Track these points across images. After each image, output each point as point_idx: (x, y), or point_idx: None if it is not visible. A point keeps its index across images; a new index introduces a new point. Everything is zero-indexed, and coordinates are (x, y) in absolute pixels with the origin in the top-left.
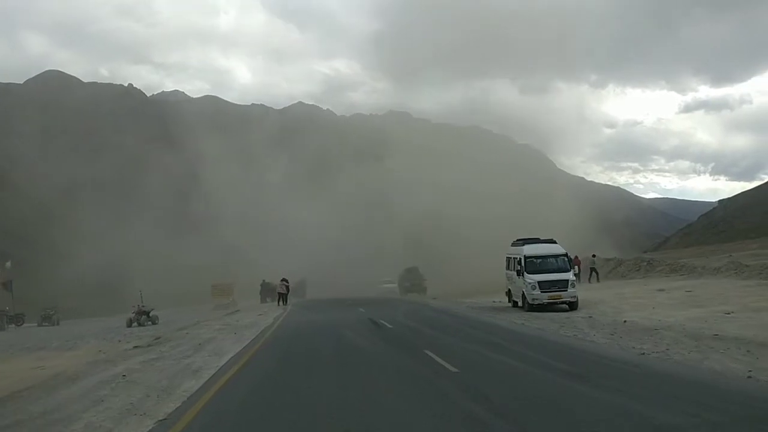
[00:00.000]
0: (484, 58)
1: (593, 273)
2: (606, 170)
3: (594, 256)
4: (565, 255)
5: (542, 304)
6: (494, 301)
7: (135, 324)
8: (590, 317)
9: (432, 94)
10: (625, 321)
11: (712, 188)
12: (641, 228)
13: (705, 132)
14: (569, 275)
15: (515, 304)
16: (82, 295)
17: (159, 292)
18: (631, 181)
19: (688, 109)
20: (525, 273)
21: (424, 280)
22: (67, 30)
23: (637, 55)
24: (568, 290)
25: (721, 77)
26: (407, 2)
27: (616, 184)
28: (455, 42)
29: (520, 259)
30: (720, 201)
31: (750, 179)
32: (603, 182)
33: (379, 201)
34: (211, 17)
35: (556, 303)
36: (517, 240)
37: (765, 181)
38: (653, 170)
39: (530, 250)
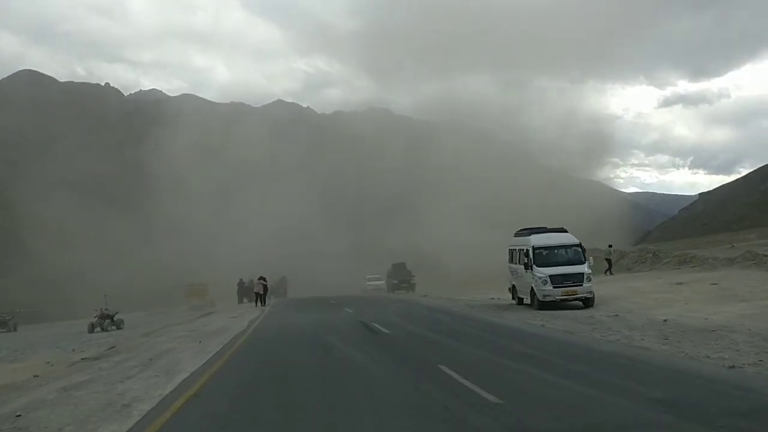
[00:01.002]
0: (464, 54)
1: (609, 265)
2: (586, 165)
3: (610, 246)
4: (579, 245)
5: (554, 301)
6: (492, 298)
7: (98, 329)
8: (616, 316)
9: (413, 91)
10: (665, 320)
11: (691, 182)
12: (622, 222)
13: (684, 126)
14: (584, 268)
15: (520, 301)
16: (54, 299)
17: (135, 294)
18: (612, 175)
19: (667, 103)
20: (534, 266)
21: (413, 276)
22: (41, 29)
23: (616, 50)
24: (584, 285)
25: (699, 72)
26: None
27: (596, 179)
28: (435, 38)
29: (527, 250)
30: (700, 194)
31: (728, 173)
32: (584, 177)
33: (359, 196)
34: (189, 15)
35: (569, 300)
36: (522, 230)
37: (743, 174)
38: (633, 165)
39: (539, 240)
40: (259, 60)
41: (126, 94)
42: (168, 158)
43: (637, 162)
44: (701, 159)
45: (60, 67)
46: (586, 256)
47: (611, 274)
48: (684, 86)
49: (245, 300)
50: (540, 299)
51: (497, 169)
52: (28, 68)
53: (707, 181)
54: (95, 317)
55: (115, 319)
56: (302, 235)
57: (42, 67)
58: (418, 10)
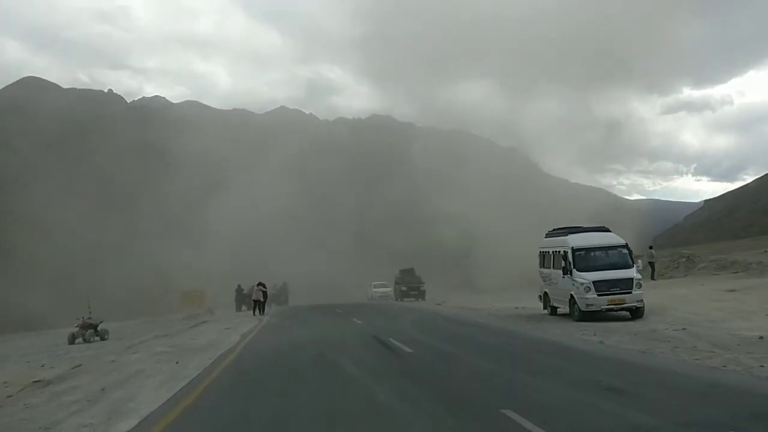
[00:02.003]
0: (467, 61)
1: (651, 269)
2: (589, 172)
3: (651, 248)
4: (625, 246)
5: (598, 312)
6: (517, 307)
7: (80, 340)
8: (684, 329)
9: (415, 98)
10: (760, 337)
11: (695, 189)
12: (627, 230)
13: (687, 133)
14: (633, 272)
15: (554, 310)
16: (52, 305)
17: (135, 301)
18: (615, 182)
19: (670, 110)
20: (574, 270)
21: (423, 283)
22: (45, 36)
23: (619, 57)
24: (633, 292)
25: (702, 79)
26: (389, 6)
27: (599, 186)
28: (438, 45)
29: (565, 252)
30: (705, 201)
31: (732, 180)
32: (586, 184)
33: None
34: (191, 22)
35: (615, 309)
36: (556, 229)
37: (747, 181)
38: (636, 171)
39: (578, 240)
40: (262, 66)
41: (129, 100)
42: (171, 164)
43: (640, 169)
44: (705, 166)
45: (64, 73)
46: (634, 258)
47: (653, 279)
48: (687, 93)
49: (244, 308)
50: (582, 309)
51: (500, 175)
52: (31, 75)
53: (711, 188)
54: (77, 327)
55: (99, 329)
56: (303, 240)
57: (45, 73)
58: (420, 17)
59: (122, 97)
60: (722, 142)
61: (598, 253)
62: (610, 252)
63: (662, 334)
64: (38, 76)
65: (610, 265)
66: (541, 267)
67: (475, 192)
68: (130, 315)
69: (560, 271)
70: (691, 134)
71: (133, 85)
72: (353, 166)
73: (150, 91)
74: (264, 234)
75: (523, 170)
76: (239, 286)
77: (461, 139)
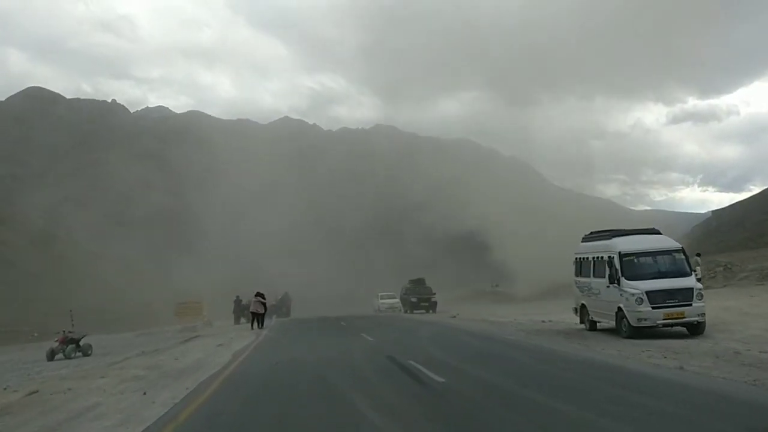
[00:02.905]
0: (470, 70)
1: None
2: (594, 183)
3: (698, 255)
4: (681, 250)
5: (652, 327)
6: (543, 321)
7: (60, 355)
8: None
9: (418, 107)
10: None
11: (701, 199)
12: None
13: (693, 143)
14: (692, 281)
15: (593, 325)
16: (56, 316)
17: (137, 312)
18: (620, 193)
19: (676, 120)
20: (622, 279)
21: (434, 294)
22: (48, 46)
23: (624, 67)
24: (694, 304)
25: (708, 89)
26: (392, 16)
27: (605, 197)
28: (441, 54)
29: (611, 258)
30: (713, 211)
31: (738, 190)
32: (591, 194)
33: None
34: (194, 32)
35: (673, 324)
36: (595, 233)
37: (753, 192)
38: (642, 182)
39: (627, 244)
40: (265, 76)
41: (132, 111)
42: (175, 175)
43: (645, 179)
44: (711, 176)
45: (67, 83)
46: (692, 264)
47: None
48: (693, 103)
49: (243, 320)
50: (632, 324)
51: (504, 185)
52: (35, 85)
53: (717, 199)
54: (56, 341)
55: (81, 343)
56: (306, 250)
57: (49, 83)
58: (424, 27)
59: (126, 108)
60: (728, 153)
61: (649, 258)
62: (663, 257)
63: (750, 356)
64: (42, 86)
65: (665, 273)
66: (577, 275)
67: (480, 202)
68: (131, 327)
69: (603, 280)
70: (697, 144)
71: (137, 95)
72: (357, 175)
73: (153, 101)
74: (267, 243)
75: (526, 180)
76: (237, 297)
77: (465, 148)
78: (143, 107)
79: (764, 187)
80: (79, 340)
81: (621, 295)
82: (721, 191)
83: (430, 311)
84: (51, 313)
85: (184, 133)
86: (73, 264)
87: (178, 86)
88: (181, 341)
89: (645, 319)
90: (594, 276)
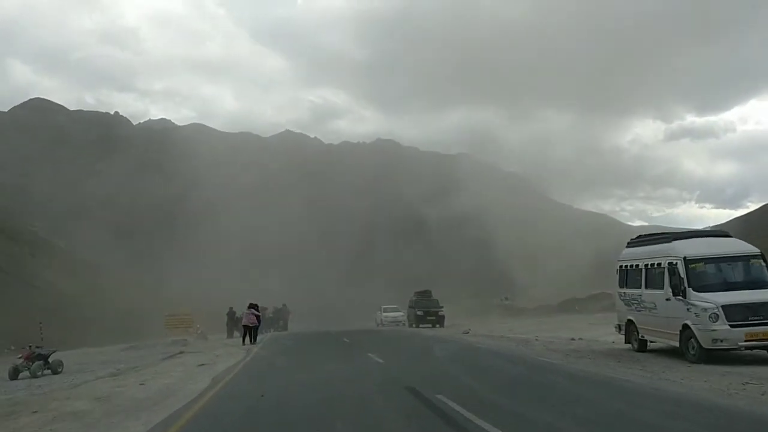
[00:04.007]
0: (470, 85)
1: None
2: (592, 198)
3: None
4: (761, 256)
5: (732, 350)
6: (573, 339)
7: (26, 373)
8: None
9: (419, 122)
10: None
11: (698, 215)
12: None
13: (691, 160)
14: None
15: (643, 345)
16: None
17: (133, 323)
18: (617, 208)
19: (674, 136)
20: (689, 290)
21: (441, 307)
22: (52, 57)
23: (624, 84)
24: None
25: (706, 106)
26: (393, 30)
27: (602, 212)
28: (442, 69)
29: (672, 265)
30: (713, 227)
31: (735, 207)
32: (589, 210)
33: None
34: (197, 45)
35: (757, 347)
36: (645, 236)
37: (750, 208)
38: (639, 197)
39: (694, 248)
40: (267, 90)
41: (135, 123)
42: (177, 187)
43: (643, 195)
44: (708, 193)
45: (70, 95)
46: None
47: None
48: (691, 120)
49: (236, 334)
50: (704, 345)
51: (504, 199)
52: (38, 96)
53: (714, 215)
54: (21, 357)
55: (50, 360)
56: (307, 262)
57: (52, 95)
58: (425, 42)
59: (128, 120)
60: (726, 170)
61: (722, 265)
62: (738, 264)
63: None
64: (45, 97)
65: (742, 284)
66: (621, 286)
67: (481, 216)
68: (127, 338)
69: (660, 292)
70: (695, 161)
71: (140, 107)
72: (358, 189)
73: (156, 113)
74: (269, 256)
75: (526, 195)
76: (231, 308)
77: (465, 162)
78: (146, 119)
79: (761, 204)
80: (48, 356)
81: (688, 309)
82: (718, 207)
83: (438, 326)
84: (49, 324)
85: (186, 146)
86: (73, 275)
87: (180, 99)
88: (165, 357)
89: (721, 340)
90: (646, 287)
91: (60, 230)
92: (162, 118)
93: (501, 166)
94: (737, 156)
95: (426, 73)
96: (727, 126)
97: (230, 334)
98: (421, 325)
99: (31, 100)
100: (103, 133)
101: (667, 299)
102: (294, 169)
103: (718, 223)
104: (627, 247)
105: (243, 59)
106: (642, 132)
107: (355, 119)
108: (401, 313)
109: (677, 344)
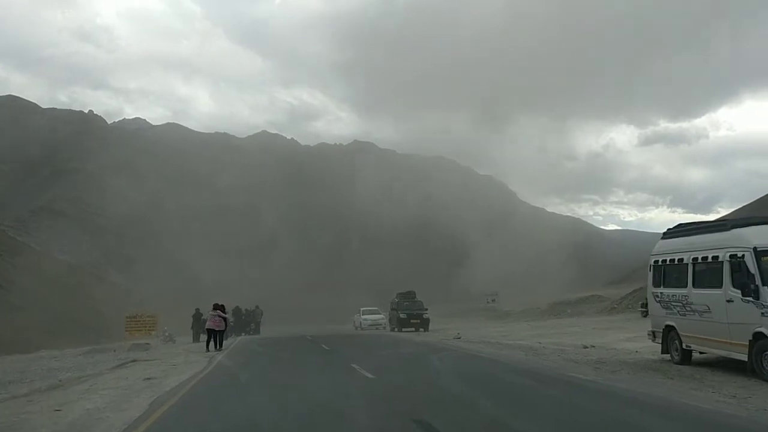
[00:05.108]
0: (447, 89)
1: None
2: (566, 201)
3: None
4: None
5: None
6: (586, 346)
7: None
8: None
9: (396, 125)
10: None
11: (670, 220)
12: (605, 260)
13: (663, 165)
14: None
15: (687, 356)
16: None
17: (104, 324)
18: (591, 213)
19: (647, 142)
20: (765, 289)
21: (426, 309)
22: (25, 54)
23: (597, 89)
24: None
25: (679, 112)
26: (370, 33)
27: (576, 216)
28: (419, 73)
29: (738, 258)
30: None
31: (706, 212)
32: (563, 213)
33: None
34: (173, 44)
35: None
36: (687, 225)
37: (720, 213)
38: (612, 202)
39: (765, 236)
40: (243, 90)
41: (110, 122)
42: (151, 187)
43: (616, 200)
44: (680, 198)
45: (43, 93)
46: None
47: None
48: (664, 126)
49: (203, 337)
50: None
51: (479, 202)
52: (11, 94)
53: (686, 220)
54: None
55: None
56: (281, 263)
57: (25, 92)
58: (402, 45)
59: (102, 118)
60: (697, 175)
61: None
62: None
63: None
64: (18, 95)
65: None
66: (657, 286)
67: (458, 219)
68: (94, 340)
69: (716, 292)
70: (667, 166)
71: (114, 106)
72: (334, 190)
73: (130, 112)
74: (243, 255)
75: (502, 198)
76: (197, 310)
77: (442, 166)
78: (120, 118)
79: (731, 209)
80: None
81: (763, 314)
82: (689, 213)
83: (422, 330)
84: (14, 325)
85: (161, 145)
86: (40, 275)
87: (155, 98)
88: (116, 365)
89: None
90: (695, 285)
91: (29, 229)
92: (137, 118)
93: (476, 170)
94: (709, 162)
95: (403, 76)
96: (699, 132)
97: (196, 338)
98: (403, 329)
99: (3, 97)
100: (76, 131)
101: (729, 300)
102: (270, 169)
103: None
104: (663, 238)
105: (219, 59)
106: (616, 137)
107: (331, 120)
108: (382, 316)
109: (743, 357)
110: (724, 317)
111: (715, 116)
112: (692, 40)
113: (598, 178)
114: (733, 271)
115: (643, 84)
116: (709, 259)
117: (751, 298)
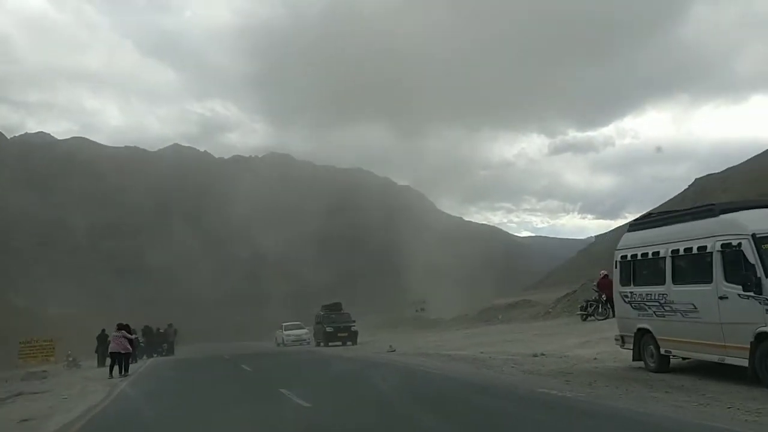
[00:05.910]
0: (362, 100)
1: None
2: (481, 210)
3: None
4: None
5: None
6: (535, 355)
7: None
8: None
9: (313, 136)
10: None
11: (581, 226)
12: (522, 266)
13: (573, 173)
14: None
15: (665, 362)
16: None
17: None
18: (505, 220)
19: (557, 151)
20: None
21: (353, 322)
22: None
23: (510, 100)
24: None
25: (586, 121)
26: (282, 45)
27: (491, 223)
28: (333, 85)
29: (733, 248)
30: (597, 236)
31: (615, 217)
32: (479, 222)
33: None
34: (78, 55)
35: None
36: (663, 214)
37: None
38: (525, 210)
39: (764, 221)
40: (154, 102)
41: (9, 136)
42: (56, 204)
43: (529, 207)
44: (589, 204)
45: None
46: None
47: None
48: (573, 135)
49: (108, 362)
50: None
51: (398, 212)
52: None
53: (595, 225)
54: None
55: None
56: (195, 280)
57: None
58: (314, 57)
59: (2, 133)
60: (605, 182)
61: None
62: None
63: None
64: None
65: None
66: (626, 284)
67: (379, 228)
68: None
69: (705, 288)
70: (577, 174)
71: (14, 119)
72: (252, 203)
73: (33, 126)
74: (155, 273)
75: (420, 208)
76: (103, 331)
77: (360, 176)
78: (22, 132)
79: (638, 214)
80: None
81: (766, 313)
82: (599, 218)
83: (350, 343)
84: None
85: (67, 161)
86: None
87: (59, 111)
88: None
89: None
90: (676, 282)
91: None
92: (40, 132)
93: (395, 180)
94: (616, 169)
95: (316, 88)
96: (606, 140)
97: (101, 362)
98: (330, 344)
99: None
100: None
101: (722, 297)
102: (184, 183)
103: (599, 233)
104: (630, 230)
105: (128, 71)
106: (528, 146)
107: (246, 132)
108: (305, 331)
109: (742, 362)
110: (715, 317)
111: (621, 124)
112: (599, 53)
113: (511, 186)
114: (726, 263)
115: (554, 95)
116: (694, 251)
117: (752, 293)
